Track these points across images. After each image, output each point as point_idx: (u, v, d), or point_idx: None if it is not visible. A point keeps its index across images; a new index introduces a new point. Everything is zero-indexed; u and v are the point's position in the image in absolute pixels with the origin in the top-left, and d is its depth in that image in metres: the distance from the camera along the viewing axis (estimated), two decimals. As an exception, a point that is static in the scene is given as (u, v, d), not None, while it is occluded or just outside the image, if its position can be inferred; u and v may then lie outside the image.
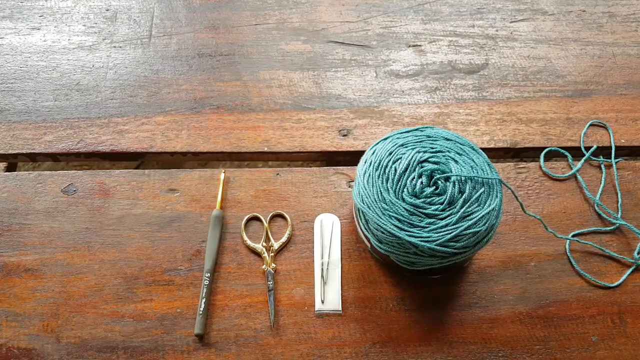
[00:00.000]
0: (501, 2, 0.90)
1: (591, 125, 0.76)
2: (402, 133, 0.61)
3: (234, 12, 0.88)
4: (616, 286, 0.64)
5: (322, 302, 0.62)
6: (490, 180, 0.57)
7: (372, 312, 0.62)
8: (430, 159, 0.58)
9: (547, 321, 0.62)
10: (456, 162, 0.58)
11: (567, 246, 0.66)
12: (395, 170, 0.57)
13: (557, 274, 0.65)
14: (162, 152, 0.73)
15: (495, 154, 0.75)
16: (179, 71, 0.81)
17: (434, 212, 0.55)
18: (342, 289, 0.63)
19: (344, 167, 0.72)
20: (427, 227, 0.54)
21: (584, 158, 0.73)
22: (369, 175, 0.58)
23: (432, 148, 0.59)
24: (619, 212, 0.69)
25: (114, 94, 0.78)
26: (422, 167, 0.58)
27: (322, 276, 0.63)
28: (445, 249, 0.54)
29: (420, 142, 0.60)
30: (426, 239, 0.54)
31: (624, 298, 0.63)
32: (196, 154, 0.73)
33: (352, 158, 0.72)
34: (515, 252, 0.66)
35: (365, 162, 0.60)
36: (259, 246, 0.65)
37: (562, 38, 0.86)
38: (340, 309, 0.62)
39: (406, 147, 0.59)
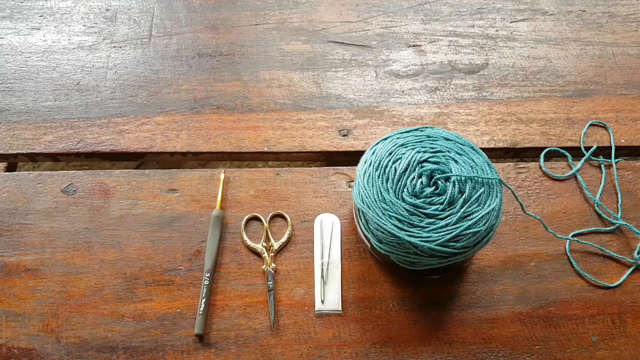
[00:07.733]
0: (501, 2, 0.90)
1: (591, 125, 0.76)
2: (402, 133, 0.61)
3: (234, 12, 0.88)
4: (616, 286, 0.64)
5: (322, 302, 0.62)
6: (490, 180, 0.57)
7: (372, 312, 0.62)
8: (430, 159, 0.58)
9: (547, 321, 0.62)
10: (456, 162, 0.58)
11: (567, 246, 0.66)
12: (395, 170, 0.57)
13: (557, 274, 0.65)
14: (162, 152, 0.73)
15: (495, 154, 0.75)
16: (179, 71, 0.81)
17: (434, 212, 0.55)
18: (342, 289, 0.63)
19: (344, 167, 0.72)
20: (427, 227, 0.54)
21: (584, 158, 0.73)
22: (369, 175, 0.58)
23: (432, 148, 0.59)
24: (619, 212, 0.69)
25: (114, 94, 0.78)
26: (422, 167, 0.58)
27: (322, 276, 0.63)
28: (445, 249, 0.54)
29: (420, 142, 0.60)
30: (426, 239, 0.54)
31: (624, 298, 0.63)
32: (196, 154, 0.73)
33: (352, 158, 0.72)
34: (515, 252, 0.66)
35: (365, 162, 0.60)
36: (259, 246, 0.65)
37: (562, 38, 0.86)
38: (340, 309, 0.62)
39: (406, 147, 0.59)
